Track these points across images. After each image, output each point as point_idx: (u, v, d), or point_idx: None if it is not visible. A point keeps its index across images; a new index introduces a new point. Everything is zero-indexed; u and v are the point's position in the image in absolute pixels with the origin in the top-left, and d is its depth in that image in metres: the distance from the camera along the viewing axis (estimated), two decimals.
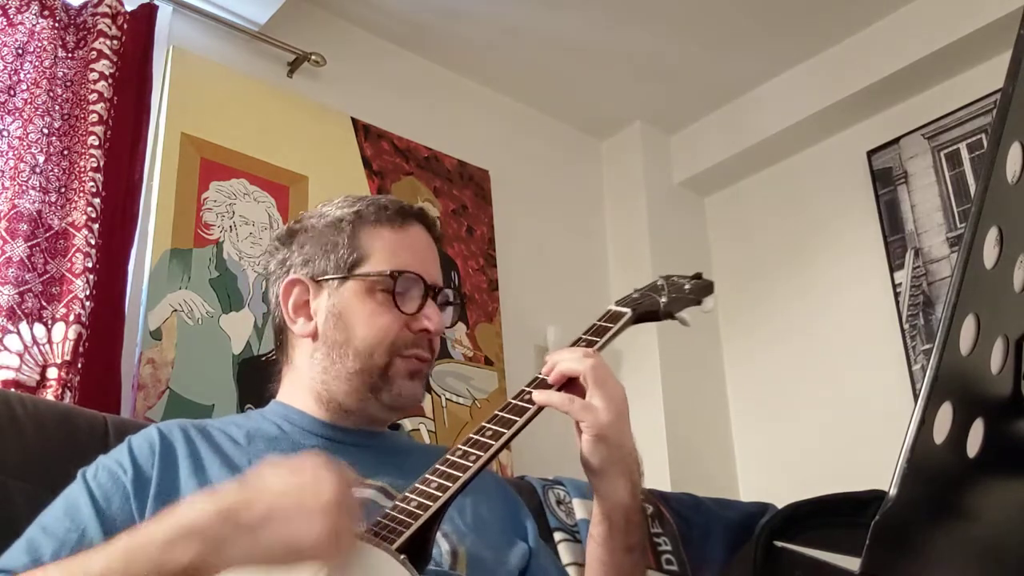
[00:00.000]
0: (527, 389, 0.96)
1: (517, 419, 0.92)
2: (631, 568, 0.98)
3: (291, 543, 0.70)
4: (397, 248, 1.08)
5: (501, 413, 0.93)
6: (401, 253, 1.07)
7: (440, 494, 0.83)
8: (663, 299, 1.08)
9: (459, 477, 0.85)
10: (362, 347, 1.03)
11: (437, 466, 0.87)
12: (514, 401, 0.94)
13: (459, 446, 0.90)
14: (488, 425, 0.92)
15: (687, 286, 1.11)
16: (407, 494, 0.85)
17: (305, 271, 1.08)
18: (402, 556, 0.75)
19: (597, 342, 1.00)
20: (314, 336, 1.06)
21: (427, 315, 1.05)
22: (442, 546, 0.96)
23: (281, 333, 1.12)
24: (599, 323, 1.04)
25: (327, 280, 1.06)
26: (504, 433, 0.90)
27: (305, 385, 1.07)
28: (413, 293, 1.06)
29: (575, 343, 1.01)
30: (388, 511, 0.82)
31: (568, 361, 0.95)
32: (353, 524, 0.74)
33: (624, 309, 1.06)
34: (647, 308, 1.07)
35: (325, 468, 0.74)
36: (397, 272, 1.04)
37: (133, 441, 0.98)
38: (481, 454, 0.88)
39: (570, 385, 0.97)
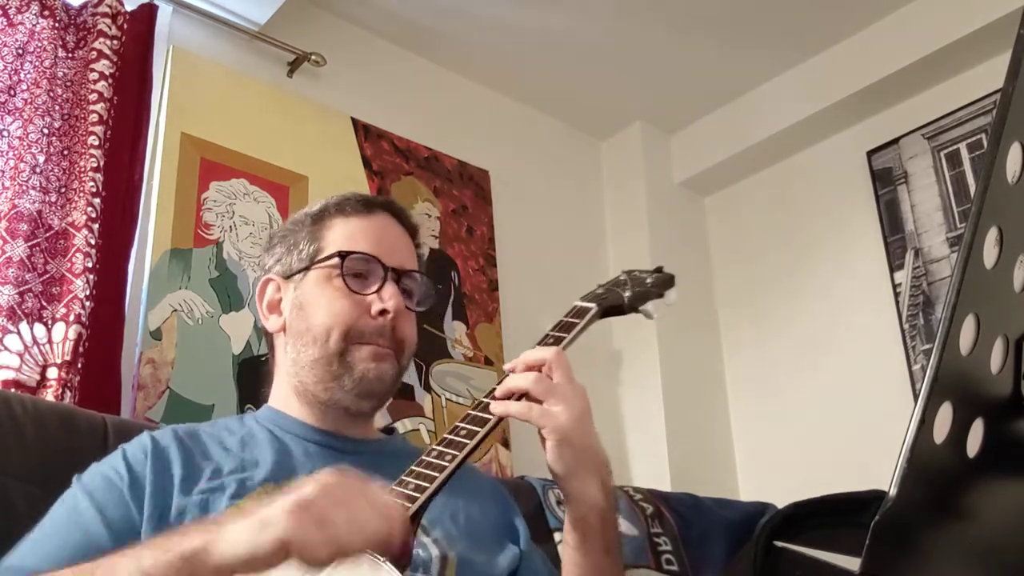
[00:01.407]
0: (498, 387, 0.95)
1: (491, 417, 0.92)
2: (612, 568, 0.97)
3: (361, 531, 0.70)
4: (353, 233, 1.08)
5: (474, 412, 0.93)
6: (357, 237, 1.07)
7: (418, 495, 0.83)
8: (626, 293, 1.09)
9: (435, 477, 0.84)
10: (319, 332, 1.03)
11: (413, 467, 0.87)
12: (486, 399, 0.94)
13: (434, 446, 0.90)
14: (462, 424, 0.92)
15: (649, 280, 1.11)
16: None
17: (277, 270, 1.11)
18: (383, 559, 0.75)
19: (564, 338, 1.01)
20: (284, 330, 1.08)
21: (383, 296, 1.04)
22: (432, 552, 0.95)
23: (267, 336, 1.14)
24: (565, 319, 1.05)
25: (294, 275, 1.09)
26: (478, 432, 0.90)
27: (286, 382, 1.08)
28: (371, 276, 1.05)
29: (542, 340, 1.01)
30: None
31: (514, 379, 0.94)
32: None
33: (589, 304, 1.06)
34: (612, 303, 1.08)
35: (346, 474, 0.74)
36: (345, 252, 1.05)
37: (127, 448, 0.98)
38: (457, 453, 0.87)
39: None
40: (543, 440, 0.93)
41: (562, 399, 0.92)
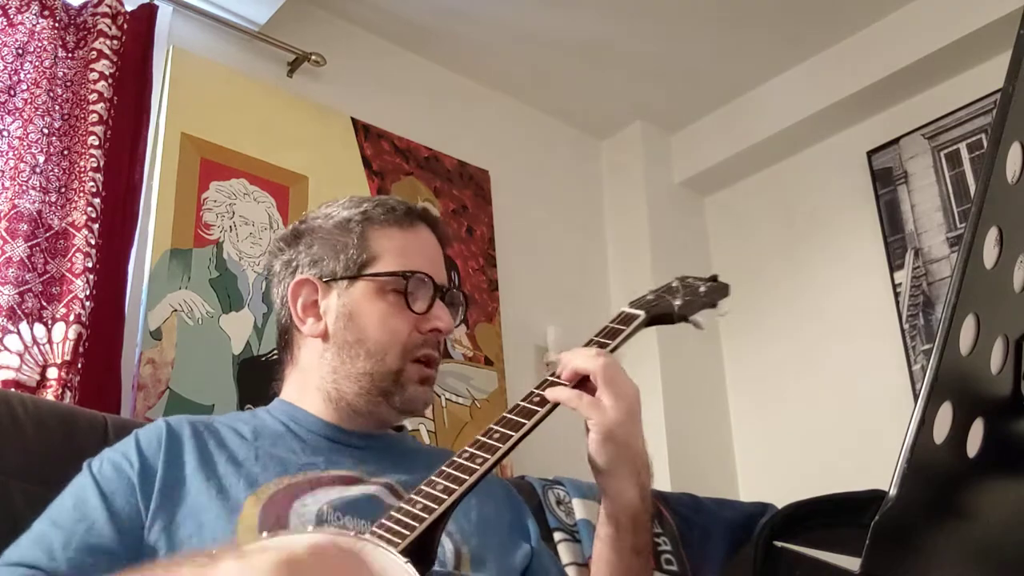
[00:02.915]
0: (536, 391, 0.94)
1: (525, 421, 0.91)
2: (639, 570, 0.97)
3: None
4: (407, 249, 1.08)
5: (508, 415, 0.92)
6: (412, 254, 1.07)
7: (446, 496, 0.82)
8: (677, 301, 1.06)
9: (465, 480, 0.84)
10: (375, 349, 1.03)
11: (443, 468, 0.87)
12: (522, 403, 0.93)
13: (466, 448, 0.89)
14: (495, 427, 0.91)
15: (702, 288, 1.08)
16: (412, 496, 0.84)
17: (313, 272, 1.08)
18: (406, 560, 0.75)
19: (609, 344, 0.98)
20: (324, 336, 1.06)
21: (437, 315, 1.05)
22: (446, 546, 0.96)
23: (286, 333, 1.11)
24: (611, 325, 1.02)
25: (336, 280, 1.06)
26: (512, 436, 0.89)
27: (313, 385, 1.06)
28: (423, 293, 1.05)
29: (587, 345, 0.99)
30: (393, 513, 0.82)
31: (580, 359, 0.94)
32: None
33: (637, 311, 1.04)
34: (661, 311, 1.05)
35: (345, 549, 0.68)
36: (409, 273, 1.05)
37: (140, 434, 0.98)
38: (488, 456, 0.86)
39: (582, 385, 0.95)
40: (588, 431, 0.93)
41: (616, 394, 0.92)
